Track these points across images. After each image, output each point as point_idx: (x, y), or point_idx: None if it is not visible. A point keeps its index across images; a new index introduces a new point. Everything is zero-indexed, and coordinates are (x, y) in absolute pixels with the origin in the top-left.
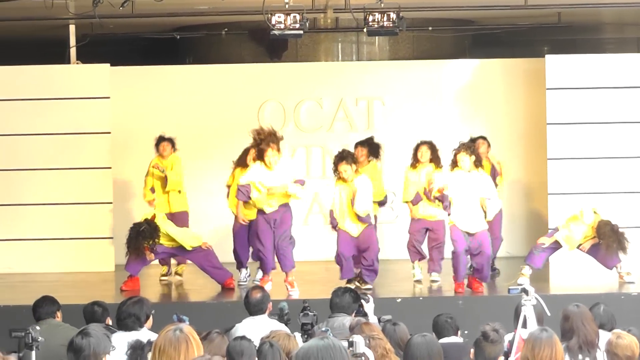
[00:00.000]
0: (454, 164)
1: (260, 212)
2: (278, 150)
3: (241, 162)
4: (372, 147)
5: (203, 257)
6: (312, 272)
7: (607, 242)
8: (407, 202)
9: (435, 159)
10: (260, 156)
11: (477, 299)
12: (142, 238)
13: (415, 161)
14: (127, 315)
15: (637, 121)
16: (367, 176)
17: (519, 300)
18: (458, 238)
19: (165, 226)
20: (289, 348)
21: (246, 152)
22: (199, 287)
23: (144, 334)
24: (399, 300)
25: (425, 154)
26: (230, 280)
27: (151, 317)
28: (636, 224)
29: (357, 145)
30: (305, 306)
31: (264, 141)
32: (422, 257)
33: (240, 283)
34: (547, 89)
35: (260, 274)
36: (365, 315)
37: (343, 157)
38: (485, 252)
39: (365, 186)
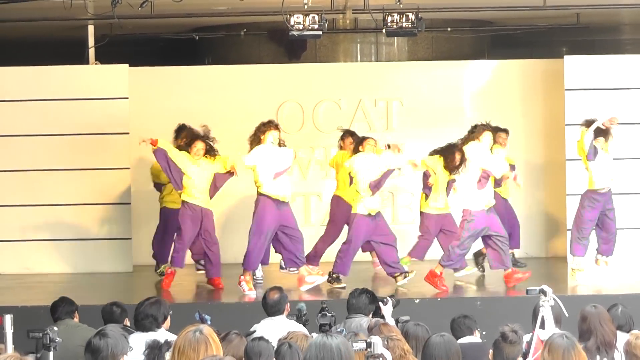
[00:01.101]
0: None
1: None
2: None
3: None
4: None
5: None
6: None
7: None
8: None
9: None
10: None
11: (495, 299)
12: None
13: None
14: (144, 316)
15: None
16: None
17: (537, 301)
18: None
19: None
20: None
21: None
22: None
23: (162, 335)
24: (417, 301)
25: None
26: (219, 281)
27: (169, 318)
28: None
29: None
30: (323, 307)
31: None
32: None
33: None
34: (566, 89)
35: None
36: (382, 317)
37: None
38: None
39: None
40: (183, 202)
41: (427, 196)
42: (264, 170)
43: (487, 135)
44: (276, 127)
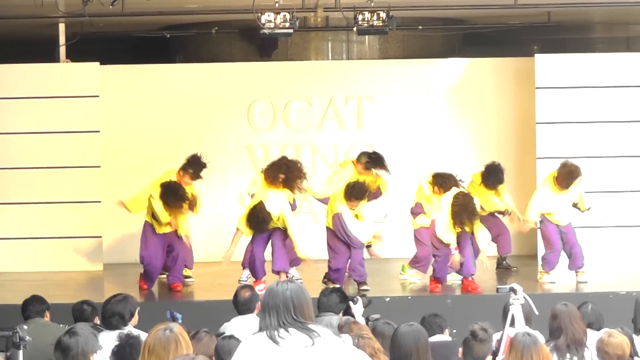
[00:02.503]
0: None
1: None
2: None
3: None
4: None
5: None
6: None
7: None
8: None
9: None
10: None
11: (465, 297)
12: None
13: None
14: (111, 313)
15: (626, 120)
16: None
17: (507, 299)
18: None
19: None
20: None
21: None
22: (186, 285)
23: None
24: (387, 299)
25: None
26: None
27: (137, 314)
28: (624, 223)
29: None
30: None
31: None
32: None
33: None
34: (537, 88)
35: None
36: (352, 316)
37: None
38: None
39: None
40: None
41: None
42: None
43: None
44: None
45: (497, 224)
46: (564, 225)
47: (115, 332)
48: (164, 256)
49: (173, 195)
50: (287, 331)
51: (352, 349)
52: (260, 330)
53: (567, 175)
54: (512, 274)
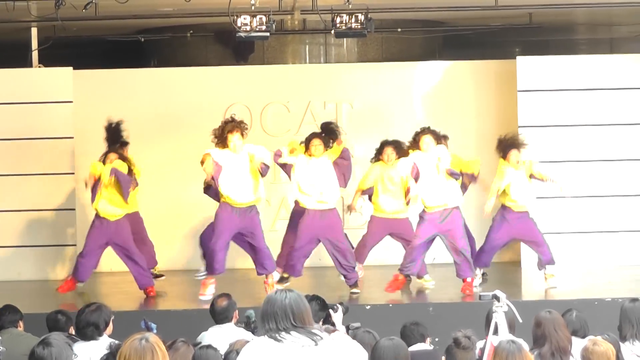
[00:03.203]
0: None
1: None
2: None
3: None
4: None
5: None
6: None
7: None
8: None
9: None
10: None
11: (448, 305)
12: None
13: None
14: (85, 324)
15: (610, 123)
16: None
17: (490, 307)
18: None
19: None
20: None
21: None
22: (162, 294)
23: (104, 342)
24: (368, 307)
25: (391, 156)
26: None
27: (111, 324)
28: (608, 228)
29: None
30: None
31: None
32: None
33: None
34: (519, 91)
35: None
36: (333, 324)
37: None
38: None
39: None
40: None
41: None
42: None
43: (427, 139)
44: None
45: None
46: (518, 212)
47: (91, 343)
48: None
49: None
50: (289, 333)
51: (354, 348)
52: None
53: (503, 143)
54: (495, 281)
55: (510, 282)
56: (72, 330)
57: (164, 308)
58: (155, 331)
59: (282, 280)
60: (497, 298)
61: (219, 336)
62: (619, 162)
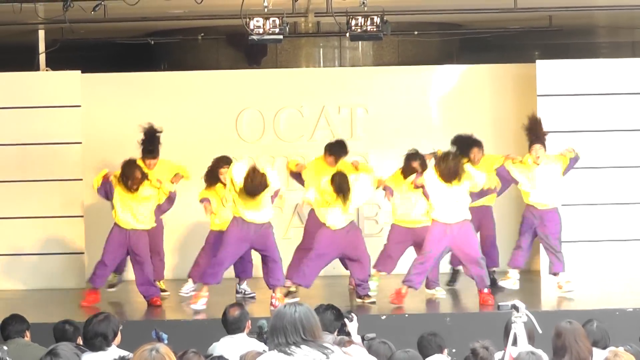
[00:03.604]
0: None
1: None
2: None
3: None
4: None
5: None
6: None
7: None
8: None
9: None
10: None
11: (465, 315)
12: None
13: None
14: (93, 334)
15: (632, 129)
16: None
17: (509, 317)
18: None
19: None
20: None
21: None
22: (174, 304)
23: (113, 353)
24: (383, 317)
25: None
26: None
27: (119, 334)
28: (629, 236)
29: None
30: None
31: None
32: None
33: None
34: (538, 95)
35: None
36: (348, 334)
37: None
38: None
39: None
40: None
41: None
42: None
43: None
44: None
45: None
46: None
47: (99, 354)
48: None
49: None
50: (299, 347)
51: None
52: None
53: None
54: (514, 291)
55: (530, 291)
56: (80, 341)
57: (175, 318)
58: (166, 342)
59: (289, 294)
60: (516, 308)
61: (230, 347)
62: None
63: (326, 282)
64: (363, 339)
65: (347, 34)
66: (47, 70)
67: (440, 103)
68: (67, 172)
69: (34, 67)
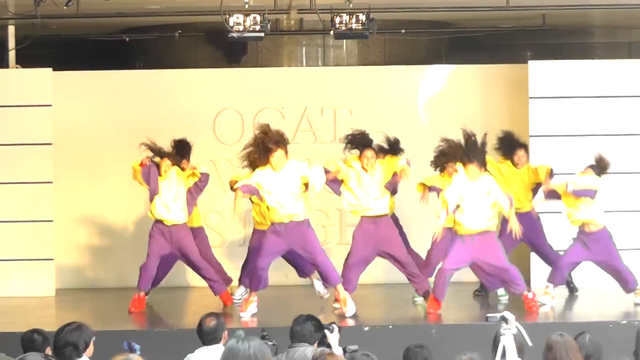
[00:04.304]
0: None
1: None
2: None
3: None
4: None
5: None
6: (277, 298)
7: None
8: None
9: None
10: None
11: (452, 327)
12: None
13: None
14: (64, 343)
15: (629, 133)
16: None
17: (498, 329)
18: None
19: None
20: None
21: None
22: (149, 313)
23: None
24: (366, 328)
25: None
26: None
27: (92, 345)
28: (623, 246)
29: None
30: (263, 335)
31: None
32: None
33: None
34: (530, 97)
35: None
36: (329, 346)
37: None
38: None
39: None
40: None
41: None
42: None
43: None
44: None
45: None
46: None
47: None
48: None
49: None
50: None
51: None
52: None
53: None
54: (502, 302)
55: (520, 302)
56: (49, 351)
57: (148, 328)
58: (139, 353)
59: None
60: (505, 320)
61: (206, 358)
62: (637, 174)
63: (306, 292)
64: (345, 351)
65: (332, 32)
66: (17, 67)
67: (428, 105)
68: (37, 175)
69: (3, 64)
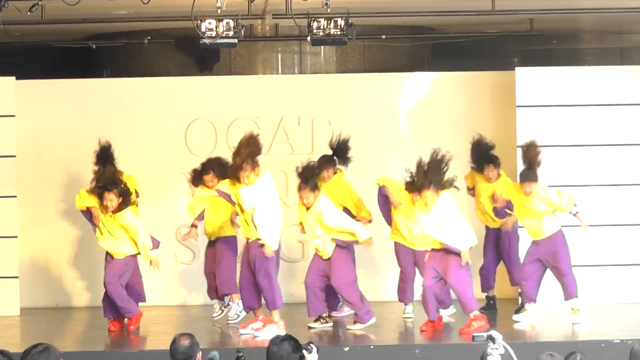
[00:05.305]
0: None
1: None
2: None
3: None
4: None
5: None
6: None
7: None
8: None
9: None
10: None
11: (436, 347)
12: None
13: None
14: None
15: (620, 143)
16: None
17: (485, 349)
18: None
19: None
20: None
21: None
22: (121, 333)
23: None
24: (346, 349)
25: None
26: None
27: None
28: (616, 261)
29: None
30: (239, 356)
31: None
32: None
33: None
34: (518, 106)
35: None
36: None
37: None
38: None
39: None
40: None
41: None
42: None
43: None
44: None
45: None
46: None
47: None
48: None
49: None
50: None
51: None
52: None
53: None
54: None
55: (508, 320)
56: None
57: (116, 348)
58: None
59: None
60: (492, 339)
61: None
62: (629, 186)
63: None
64: None
65: (308, 38)
66: None
67: (410, 114)
68: (0, 189)
69: None
